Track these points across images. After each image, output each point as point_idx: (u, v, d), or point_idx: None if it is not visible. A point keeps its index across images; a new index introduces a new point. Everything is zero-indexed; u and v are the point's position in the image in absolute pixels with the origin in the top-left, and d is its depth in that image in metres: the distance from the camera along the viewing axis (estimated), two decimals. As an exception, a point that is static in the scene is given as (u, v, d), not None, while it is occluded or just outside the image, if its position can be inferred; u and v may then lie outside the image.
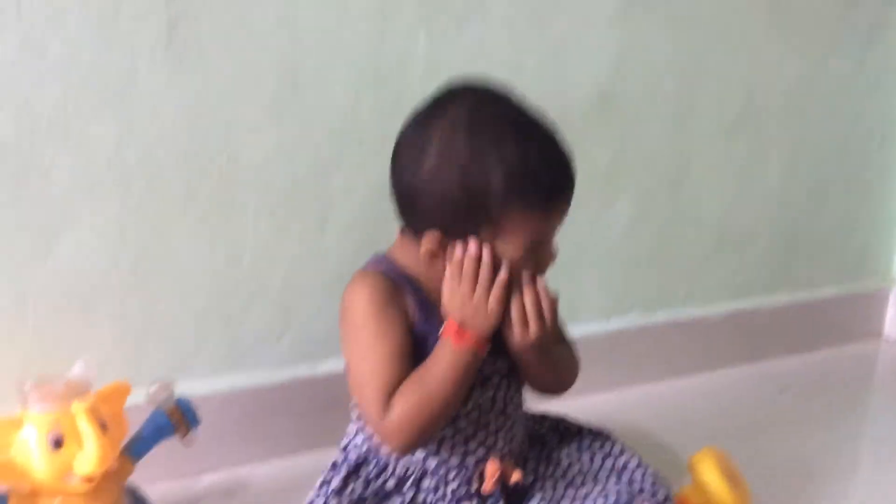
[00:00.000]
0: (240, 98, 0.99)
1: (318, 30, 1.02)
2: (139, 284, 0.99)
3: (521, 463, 0.90)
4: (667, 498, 0.87)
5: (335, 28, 1.03)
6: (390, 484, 0.84)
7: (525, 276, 0.79)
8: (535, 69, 1.16)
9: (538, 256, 0.81)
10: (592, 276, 1.32)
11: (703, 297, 1.44)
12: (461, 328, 0.78)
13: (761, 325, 1.49)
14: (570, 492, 0.88)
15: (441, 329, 0.80)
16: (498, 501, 0.85)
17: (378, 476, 0.85)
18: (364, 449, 0.86)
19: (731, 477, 0.98)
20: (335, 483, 0.85)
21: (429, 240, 0.79)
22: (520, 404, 0.90)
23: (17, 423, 0.79)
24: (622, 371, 1.35)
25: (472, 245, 0.78)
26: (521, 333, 0.80)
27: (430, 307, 0.82)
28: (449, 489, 0.84)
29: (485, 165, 0.76)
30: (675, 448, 1.13)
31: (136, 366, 1.00)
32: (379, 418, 0.78)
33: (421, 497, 0.84)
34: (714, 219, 1.41)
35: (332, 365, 1.11)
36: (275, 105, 1.02)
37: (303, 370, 1.11)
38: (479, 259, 0.78)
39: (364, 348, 0.80)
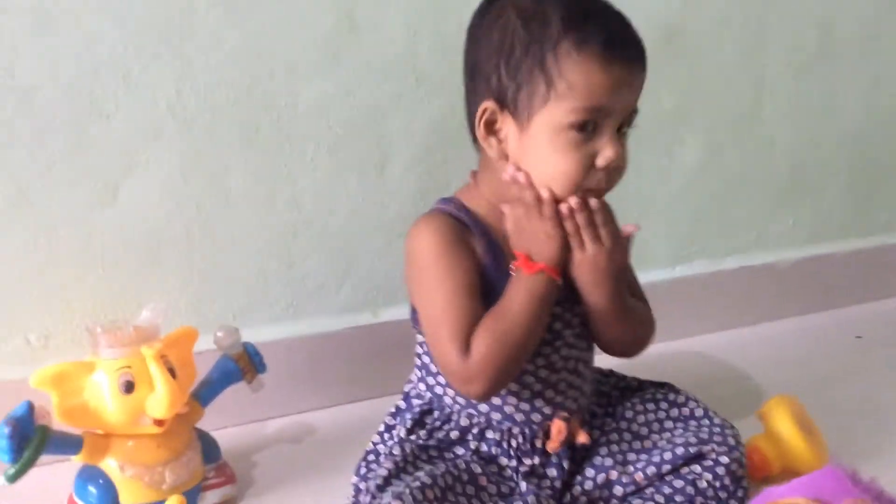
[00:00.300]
0: (297, 39, 0.97)
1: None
2: (202, 230, 0.99)
3: (588, 420, 0.88)
4: (736, 444, 0.85)
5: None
6: (454, 434, 0.83)
7: (573, 199, 0.76)
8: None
9: (598, 146, 0.75)
10: (658, 223, 1.28)
11: (775, 242, 1.39)
12: (528, 258, 0.76)
13: (836, 272, 1.44)
14: (637, 444, 0.87)
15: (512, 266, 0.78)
16: (562, 460, 0.83)
17: (442, 426, 0.84)
18: (428, 397, 0.86)
19: (805, 425, 0.95)
20: (401, 430, 0.84)
21: (480, 111, 0.77)
22: (590, 363, 0.88)
23: (89, 368, 0.80)
24: (689, 320, 1.31)
25: (512, 168, 0.76)
26: (578, 254, 0.77)
27: (499, 251, 0.80)
28: (513, 444, 0.83)
29: (544, 8, 0.74)
30: (746, 398, 1.10)
31: (201, 312, 1.01)
32: (459, 361, 0.75)
33: (484, 448, 0.83)
34: (786, 160, 1.36)
35: (394, 311, 1.11)
36: (332, 45, 0.99)
37: (365, 317, 1.10)
38: (528, 183, 0.76)
39: (432, 289, 0.78)
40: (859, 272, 1.46)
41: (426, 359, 0.85)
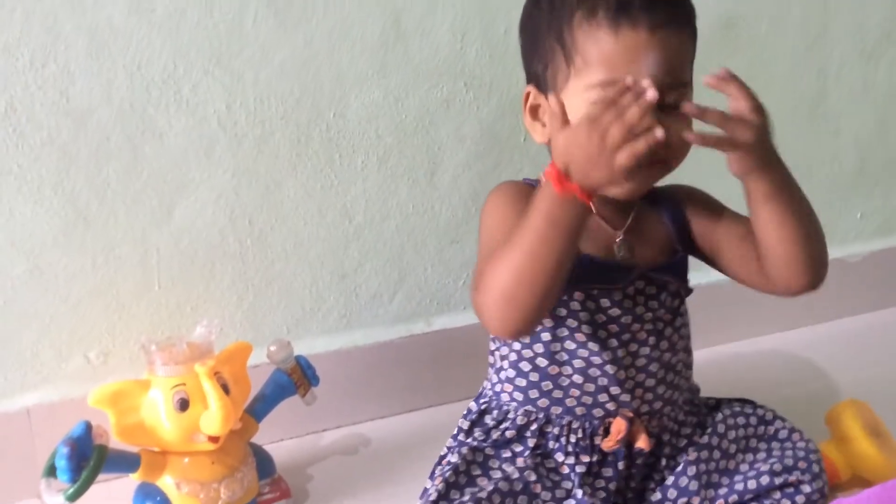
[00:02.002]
0: (344, 49, 0.97)
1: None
2: (255, 245, 0.99)
3: (675, 429, 0.84)
4: (820, 471, 0.82)
5: (437, -31, 0.99)
6: (510, 433, 0.82)
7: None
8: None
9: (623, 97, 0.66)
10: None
11: (842, 236, 1.35)
12: (564, 174, 0.65)
13: (907, 266, 1.38)
14: (723, 463, 0.83)
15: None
16: (618, 461, 0.81)
17: (499, 425, 0.83)
18: (489, 395, 0.85)
19: (876, 431, 0.92)
20: (462, 432, 0.84)
21: (524, 97, 0.77)
22: (674, 368, 0.83)
23: (145, 386, 0.82)
24: (758, 320, 1.28)
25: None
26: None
27: None
28: (571, 439, 0.81)
29: None
30: (814, 400, 1.06)
31: (256, 326, 1.02)
32: (475, 296, 0.71)
33: (543, 444, 0.82)
34: (853, 150, 1.31)
35: (447, 320, 1.11)
36: (379, 54, 0.99)
37: (419, 326, 1.10)
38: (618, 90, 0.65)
39: (485, 237, 0.77)
40: (934, 266, 1.40)
41: (496, 354, 0.84)
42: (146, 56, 0.89)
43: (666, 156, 0.73)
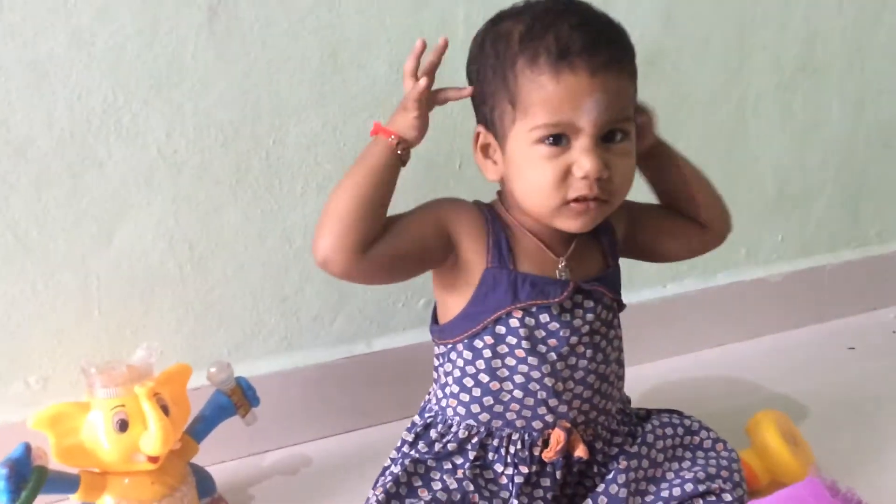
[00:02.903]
0: (283, 79, 1.00)
1: (356, 5, 1.02)
2: (195, 269, 1.01)
3: (608, 437, 0.87)
4: (741, 480, 0.86)
5: (373, 2, 1.03)
6: (451, 446, 0.84)
7: None
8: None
9: (573, 157, 0.74)
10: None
11: (765, 257, 1.40)
12: (386, 127, 0.80)
13: (827, 284, 1.45)
14: (651, 471, 0.86)
15: None
16: (556, 471, 0.83)
17: (441, 438, 0.85)
18: (435, 410, 0.87)
19: (792, 438, 0.97)
20: (407, 443, 0.86)
21: (475, 136, 0.81)
22: (608, 378, 0.86)
23: (84, 408, 0.83)
24: (681, 338, 1.33)
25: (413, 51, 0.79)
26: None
27: (507, 252, 0.81)
28: (511, 450, 0.83)
29: (510, 26, 0.76)
30: (739, 413, 1.11)
31: (196, 349, 1.03)
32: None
33: (483, 457, 0.84)
34: (773, 176, 1.37)
35: (387, 341, 1.13)
36: (318, 84, 1.02)
37: (359, 347, 1.12)
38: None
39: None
40: (850, 284, 1.47)
41: (440, 370, 0.87)
42: (86, 87, 0.91)
43: (609, 192, 0.77)
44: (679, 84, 1.25)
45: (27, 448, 0.78)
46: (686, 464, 0.87)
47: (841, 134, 1.40)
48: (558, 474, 0.83)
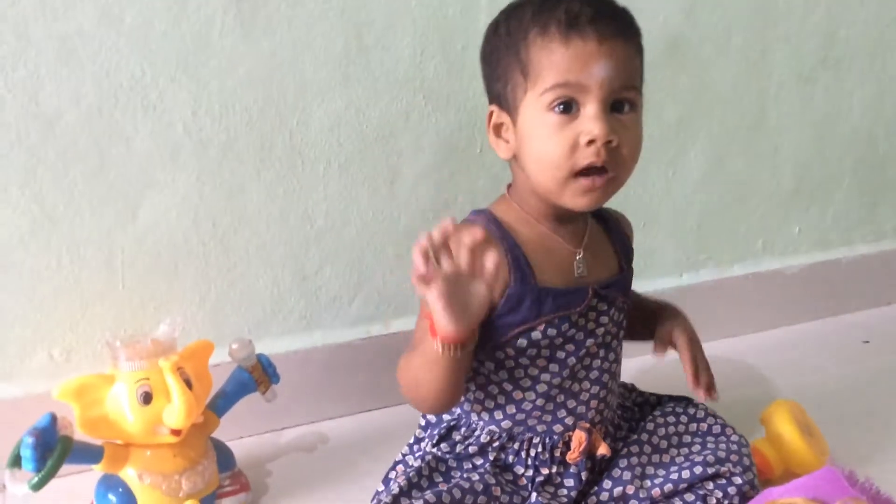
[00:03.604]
0: (308, 60, 1.01)
1: (381, -12, 1.02)
2: (218, 246, 1.02)
3: (612, 432, 0.89)
4: (751, 464, 0.87)
5: (398, -15, 1.03)
6: (472, 449, 0.85)
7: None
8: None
9: (582, 124, 0.74)
10: (665, 232, 1.30)
11: (781, 249, 1.40)
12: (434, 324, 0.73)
13: (842, 277, 1.45)
14: (656, 457, 0.88)
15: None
16: (580, 472, 0.84)
17: (464, 441, 0.86)
18: (457, 413, 0.87)
19: (807, 429, 0.97)
20: (427, 444, 0.87)
21: (488, 116, 0.81)
22: (616, 376, 0.89)
23: (109, 380, 0.84)
24: (697, 328, 1.32)
25: (416, 250, 0.68)
26: None
27: (526, 265, 0.80)
28: (532, 454, 0.84)
29: (523, 5, 0.78)
30: (753, 404, 1.11)
31: (218, 325, 1.04)
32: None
33: (503, 458, 0.85)
34: (791, 168, 1.37)
35: (405, 322, 1.14)
36: (342, 65, 1.03)
37: (377, 328, 1.13)
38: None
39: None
40: (865, 277, 1.47)
41: None
42: (114, 63, 0.92)
43: (616, 164, 0.76)
44: (700, 74, 1.25)
45: (53, 418, 0.79)
46: (696, 447, 0.89)
47: (860, 127, 1.40)
48: (583, 475, 0.84)
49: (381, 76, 1.05)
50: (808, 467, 0.91)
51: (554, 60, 0.74)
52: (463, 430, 0.86)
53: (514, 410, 0.83)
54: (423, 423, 0.90)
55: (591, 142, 0.74)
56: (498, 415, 0.84)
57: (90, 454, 0.83)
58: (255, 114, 1.00)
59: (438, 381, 0.76)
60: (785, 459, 0.95)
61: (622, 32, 0.76)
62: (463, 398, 0.86)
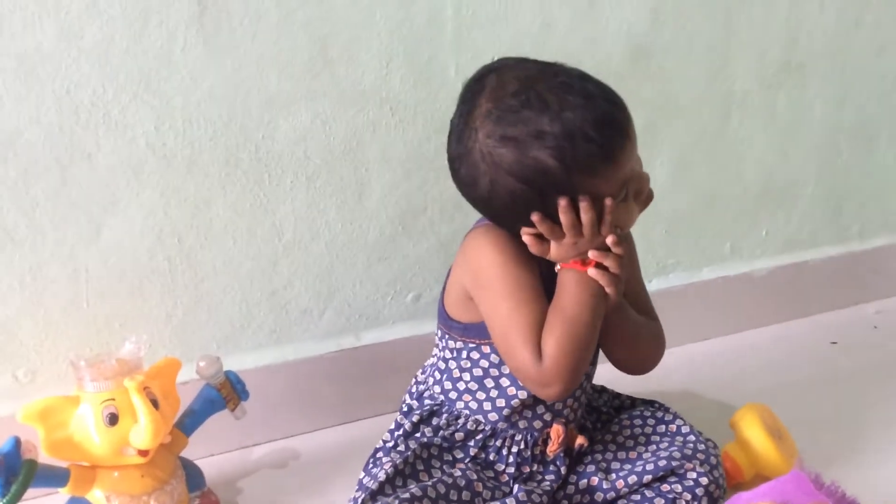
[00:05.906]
0: (272, 74, 1.00)
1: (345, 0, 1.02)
2: (184, 262, 1.01)
3: (589, 427, 0.93)
4: (717, 464, 0.88)
5: (362, -3, 1.03)
6: (459, 435, 0.87)
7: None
8: (567, 24, 1.14)
9: (634, 187, 0.82)
10: (634, 237, 1.30)
11: (749, 252, 1.42)
12: (580, 260, 0.79)
13: (810, 279, 1.47)
14: (622, 454, 0.90)
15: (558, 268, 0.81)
16: (561, 466, 0.87)
17: (449, 425, 0.87)
18: (440, 399, 0.89)
19: (776, 432, 0.98)
20: (407, 426, 0.88)
21: (526, 238, 0.79)
22: (591, 377, 0.92)
23: (74, 401, 0.83)
24: (667, 332, 1.33)
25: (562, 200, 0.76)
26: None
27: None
28: (513, 450, 0.87)
29: (530, 156, 0.75)
30: (723, 407, 1.13)
31: (184, 342, 1.03)
32: (534, 366, 0.78)
33: (483, 456, 0.87)
34: (757, 173, 1.38)
35: (376, 334, 1.13)
36: (307, 78, 1.02)
37: (348, 341, 1.13)
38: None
39: (500, 294, 0.80)
40: (832, 279, 1.49)
41: (452, 364, 0.88)
42: (75, 80, 0.91)
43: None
44: (665, 82, 1.26)
45: (17, 441, 0.78)
46: (663, 445, 0.91)
47: (823, 132, 1.42)
48: (563, 469, 0.87)
49: (347, 88, 1.05)
50: (778, 471, 0.92)
51: (607, 181, 0.80)
52: (445, 416, 0.88)
53: (503, 404, 0.86)
54: (404, 408, 0.92)
55: None
56: (487, 406, 0.86)
57: (56, 477, 0.82)
58: (219, 128, 0.99)
59: (597, 314, 0.79)
60: (755, 464, 0.96)
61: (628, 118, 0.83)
62: (451, 386, 0.88)
